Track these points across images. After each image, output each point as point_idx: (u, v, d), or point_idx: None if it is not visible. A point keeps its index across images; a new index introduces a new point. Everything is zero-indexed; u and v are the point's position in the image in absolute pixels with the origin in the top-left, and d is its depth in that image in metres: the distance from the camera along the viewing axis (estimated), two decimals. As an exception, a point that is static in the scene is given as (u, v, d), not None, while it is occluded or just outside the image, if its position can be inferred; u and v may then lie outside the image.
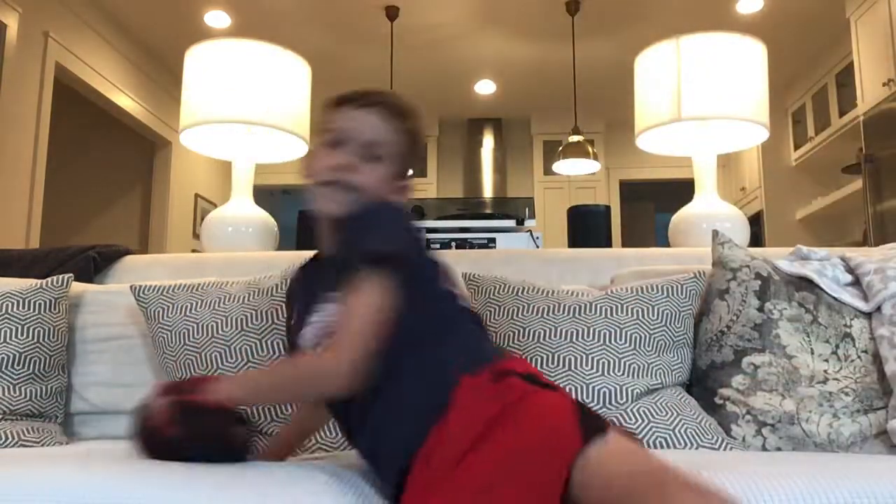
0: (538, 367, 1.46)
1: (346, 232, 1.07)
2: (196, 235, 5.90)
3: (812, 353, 1.48)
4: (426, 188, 6.78)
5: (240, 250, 2.20)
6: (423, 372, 1.00)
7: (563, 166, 5.14)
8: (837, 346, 1.48)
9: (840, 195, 5.17)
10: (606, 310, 1.54)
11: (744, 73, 2.21)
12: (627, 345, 1.50)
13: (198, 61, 2.29)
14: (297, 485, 0.94)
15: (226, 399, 1.01)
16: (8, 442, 1.45)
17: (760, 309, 1.52)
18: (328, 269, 1.12)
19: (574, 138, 5.00)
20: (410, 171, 1.21)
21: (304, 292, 1.18)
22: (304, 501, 0.91)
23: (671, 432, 1.41)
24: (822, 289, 1.53)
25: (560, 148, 5.14)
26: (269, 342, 1.47)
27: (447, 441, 0.92)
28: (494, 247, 4.03)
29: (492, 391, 0.95)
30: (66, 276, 1.68)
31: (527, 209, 5.18)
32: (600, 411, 1.41)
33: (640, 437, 1.39)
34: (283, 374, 1.07)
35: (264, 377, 1.12)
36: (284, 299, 1.33)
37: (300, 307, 1.16)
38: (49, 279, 1.66)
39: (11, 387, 1.52)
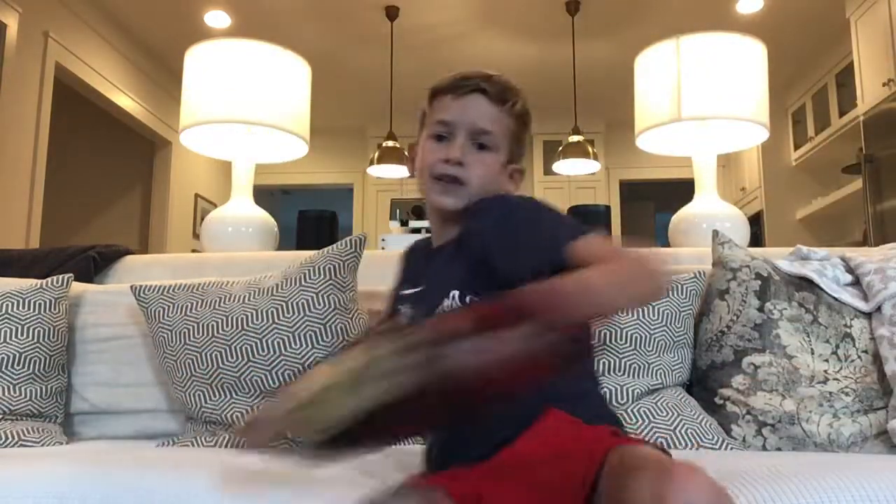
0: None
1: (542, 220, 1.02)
2: (196, 235, 5.90)
3: (812, 353, 1.48)
4: (426, 188, 6.77)
5: (240, 250, 2.20)
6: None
7: (563, 166, 5.14)
8: (837, 346, 1.48)
9: (840, 195, 5.17)
10: (606, 310, 1.53)
11: (744, 73, 2.21)
12: (628, 345, 1.50)
13: (198, 61, 2.29)
14: (289, 480, 0.94)
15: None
16: (8, 442, 1.45)
17: (760, 309, 1.51)
18: (443, 258, 1.10)
19: (574, 138, 4.99)
20: (522, 155, 1.17)
21: (422, 274, 1.15)
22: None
23: (672, 432, 1.41)
24: (822, 289, 1.53)
25: (560, 148, 5.14)
26: (269, 341, 1.47)
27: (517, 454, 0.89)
28: (494, 247, 4.02)
29: (578, 431, 0.90)
30: (66, 276, 1.68)
31: (527, 209, 5.16)
32: (600, 411, 1.41)
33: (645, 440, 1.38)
34: (628, 266, 0.88)
35: (603, 277, 0.87)
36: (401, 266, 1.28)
37: (423, 286, 1.12)
38: (49, 279, 1.66)
39: (11, 387, 1.52)
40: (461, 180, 1.08)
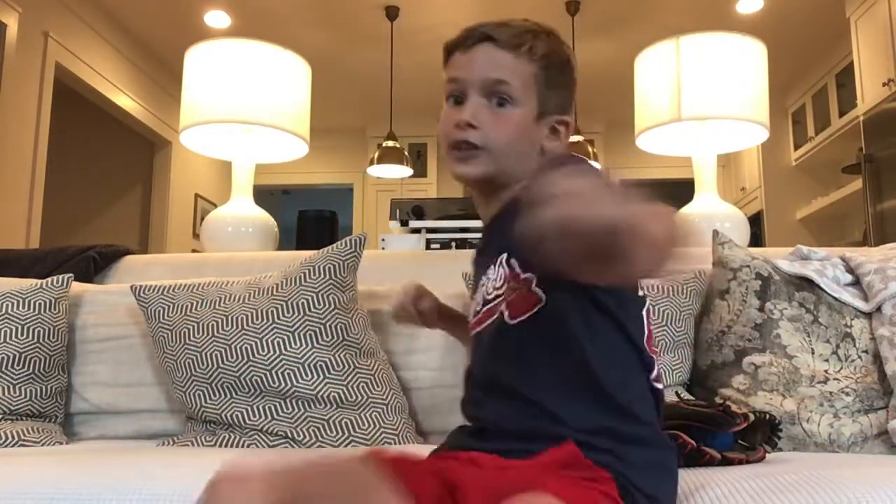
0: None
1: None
2: (196, 235, 5.90)
3: (812, 353, 1.48)
4: (426, 188, 6.78)
5: (240, 250, 2.20)
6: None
7: (564, 166, 5.14)
8: (838, 346, 1.48)
9: (840, 195, 5.17)
10: (607, 310, 1.53)
11: (744, 73, 2.21)
12: (628, 345, 1.49)
13: (198, 61, 2.29)
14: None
15: None
16: (8, 442, 1.45)
17: (761, 309, 1.51)
18: (492, 233, 1.00)
19: (574, 138, 5.00)
20: (565, 104, 1.00)
21: (478, 258, 1.04)
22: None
23: (671, 432, 1.40)
24: (822, 289, 1.53)
25: (560, 148, 5.14)
26: (269, 341, 1.47)
27: None
28: (494, 247, 4.01)
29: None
30: (66, 276, 1.68)
31: (527, 209, 5.15)
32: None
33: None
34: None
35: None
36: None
37: (478, 271, 1.01)
38: (49, 279, 1.66)
39: (11, 387, 1.52)
40: (477, 145, 0.94)
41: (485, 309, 0.94)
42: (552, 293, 0.86)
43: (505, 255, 0.91)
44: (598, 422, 0.84)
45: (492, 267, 0.93)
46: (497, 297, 0.91)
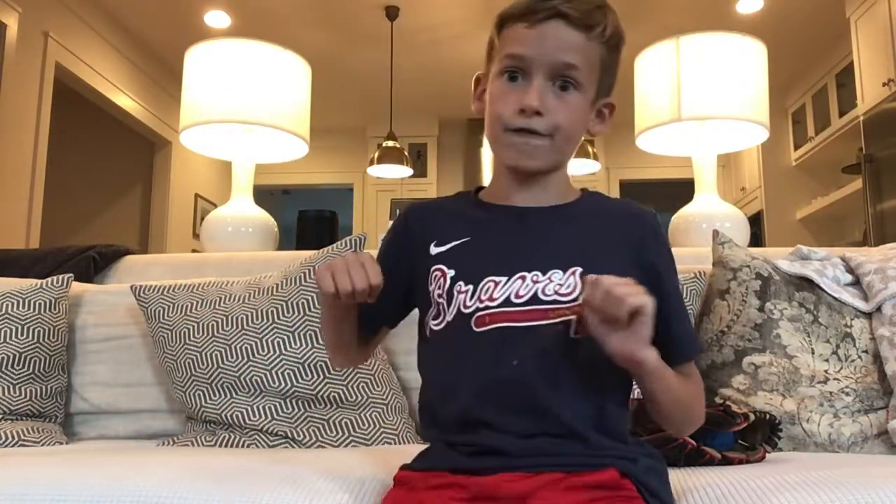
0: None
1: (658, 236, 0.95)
2: (196, 235, 5.90)
3: (812, 353, 1.48)
4: (426, 188, 6.78)
5: (240, 250, 2.20)
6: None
7: (563, 166, 5.14)
8: (838, 346, 1.48)
9: (840, 195, 5.17)
10: (607, 310, 1.53)
11: (744, 73, 2.21)
12: (628, 345, 1.49)
13: (198, 61, 2.29)
14: (290, 480, 0.94)
15: None
16: (8, 442, 1.45)
17: (761, 309, 1.51)
18: (551, 224, 0.92)
19: (574, 138, 4.99)
20: (613, 84, 0.96)
21: (473, 239, 0.93)
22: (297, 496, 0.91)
23: (671, 432, 1.40)
24: (822, 289, 1.53)
25: (560, 148, 5.14)
26: (269, 341, 1.47)
27: None
28: (494, 247, 4.01)
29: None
30: (66, 276, 1.68)
31: (527, 209, 5.14)
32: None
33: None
34: (699, 405, 0.93)
35: (687, 397, 0.90)
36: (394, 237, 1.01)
37: (475, 257, 0.91)
38: (49, 279, 1.66)
39: (11, 387, 1.52)
40: (541, 133, 0.88)
41: (532, 308, 0.86)
42: None
43: (580, 270, 0.86)
44: (611, 439, 0.87)
45: (556, 271, 0.87)
46: (560, 302, 0.86)
